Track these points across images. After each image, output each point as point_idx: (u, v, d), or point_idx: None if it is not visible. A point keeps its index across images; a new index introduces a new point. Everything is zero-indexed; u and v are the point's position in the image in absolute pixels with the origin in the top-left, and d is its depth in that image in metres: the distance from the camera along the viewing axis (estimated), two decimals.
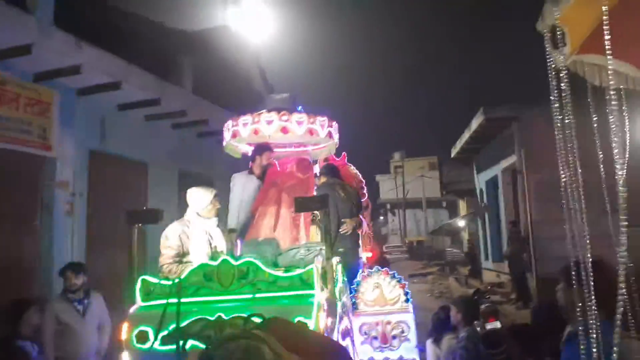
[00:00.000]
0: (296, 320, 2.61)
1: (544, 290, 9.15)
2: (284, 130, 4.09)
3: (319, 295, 2.76)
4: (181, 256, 3.58)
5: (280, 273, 2.83)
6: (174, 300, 2.76)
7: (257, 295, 2.79)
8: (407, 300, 3.80)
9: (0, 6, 5.54)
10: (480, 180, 15.55)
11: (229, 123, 4.37)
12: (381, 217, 46.05)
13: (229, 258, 2.88)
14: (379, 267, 3.89)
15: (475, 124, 12.22)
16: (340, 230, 4.34)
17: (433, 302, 14.87)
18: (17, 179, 6.57)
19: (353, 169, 5.18)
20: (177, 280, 2.86)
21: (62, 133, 7.07)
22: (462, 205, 26.35)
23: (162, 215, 3.04)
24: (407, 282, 3.86)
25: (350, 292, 3.77)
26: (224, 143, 4.53)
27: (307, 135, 4.23)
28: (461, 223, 23.14)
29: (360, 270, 4.41)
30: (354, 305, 3.78)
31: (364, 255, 5.24)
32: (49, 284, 6.63)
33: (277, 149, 4.83)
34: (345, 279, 3.54)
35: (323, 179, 4.73)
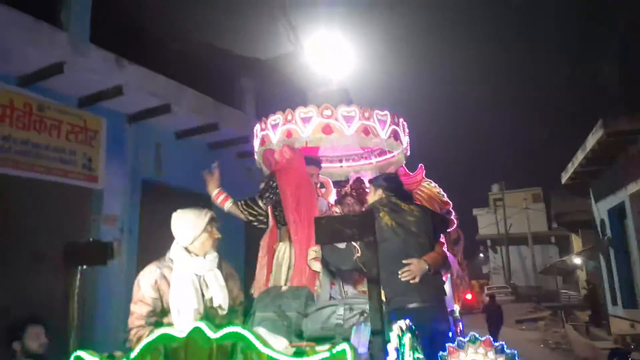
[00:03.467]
0: None
1: None
2: (327, 129, 2.90)
3: None
4: (159, 315, 2.45)
5: (286, 358, 1.56)
6: None
7: None
8: None
9: (29, 22, 5.00)
10: (601, 210, 13.10)
11: (257, 127, 3.27)
12: (481, 255, 42.69)
13: (203, 326, 1.67)
14: (476, 336, 2.43)
15: (592, 141, 10.17)
16: (400, 274, 2.83)
17: (549, 356, 12.48)
18: (59, 214, 5.93)
19: (435, 186, 3.75)
20: None
21: (111, 163, 6.44)
22: (576, 240, 23.15)
23: (112, 251, 1.95)
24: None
25: None
26: (255, 156, 3.42)
27: (360, 137, 2.99)
28: (577, 260, 20.11)
29: (451, 334, 2.99)
30: None
31: (456, 307, 3.77)
32: (92, 333, 5.85)
33: (327, 164, 3.63)
34: (421, 356, 2.17)
35: (375, 195, 3.16)
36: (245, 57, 8.44)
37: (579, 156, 11.59)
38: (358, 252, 2.71)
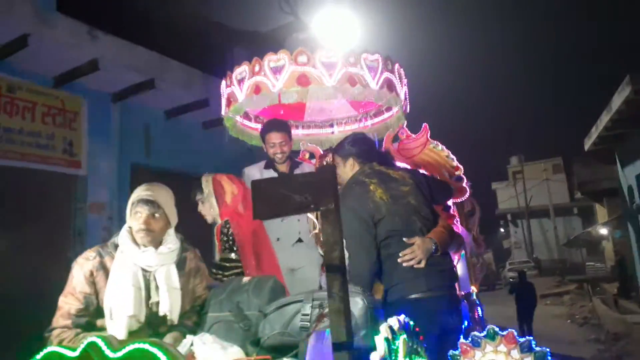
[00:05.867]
0: None
1: None
2: (303, 80, 2.35)
3: None
4: (92, 315, 1.96)
5: None
6: None
7: None
8: None
9: None
10: (628, 175, 12.33)
11: (223, 84, 2.73)
12: (501, 230, 41.89)
13: (99, 342, 1.16)
14: (496, 330, 1.87)
15: (617, 101, 9.43)
16: (400, 258, 2.24)
17: (576, 332, 11.86)
18: (42, 203, 5.52)
19: (442, 149, 3.13)
20: None
21: (95, 146, 5.98)
22: (600, 210, 22.28)
23: None
24: None
25: None
26: (225, 122, 2.90)
27: (344, 88, 2.43)
28: (603, 231, 19.35)
29: (466, 322, 2.46)
30: None
31: (473, 289, 3.23)
32: None
33: (317, 130, 3.08)
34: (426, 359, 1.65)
35: (348, 167, 2.49)
36: (237, 29, 7.87)
37: (604, 119, 10.84)
38: (315, 228, 2.19)
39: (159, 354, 1.10)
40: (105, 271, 1.99)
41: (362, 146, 2.53)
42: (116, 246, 2.05)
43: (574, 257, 31.52)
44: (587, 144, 12.97)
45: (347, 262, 2.33)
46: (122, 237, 2.05)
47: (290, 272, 2.62)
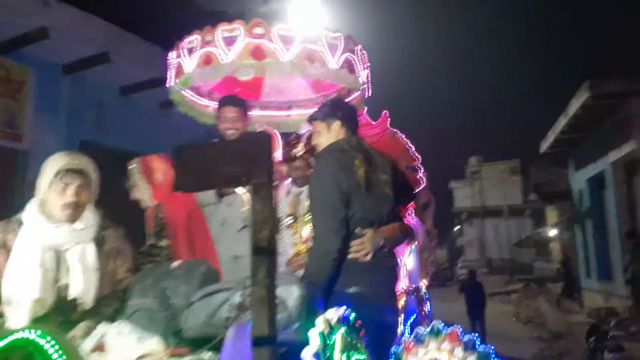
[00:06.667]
0: None
1: None
2: (257, 53, 2.22)
3: None
4: None
5: None
6: None
7: None
8: None
9: None
10: (579, 179, 12.75)
11: (171, 55, 2.57)
12: (456, 228, 42.84)
13: None
14: (439, 327, 1.80)
15: (575, 105, 9.67)
16: (350, 250, 2.09)
17: (521, 330, 12.23)
18: None
19: (401, 138, 3.05)
20: None
21: (42, 120, 5.64)
22: (551, 212, 23.04)
23: None
24: None
25: None
26: (172, 96, 2.75)
27: (302, 65, 2.31)
28: (552, 232, 20.01)
29: (413, 317, 2.41)
30: None
31: (422, 283, 3.18)
32: None
33: (274, 112, 2.96)
34: (362, 356, 1.57)
35: (331, 133, 2.26)
36: (205, 8, 7.60)
37: (561, 122, 11.14)
38: (246, 204, 2.07)
39: (46, 345, 0.95)
40: (7, 250, 1.81)
41: (345, 111, 2.34)
42: (20, 222, 1.86)
43: (523, 257, 32.49)
44: (543, 147, 13.33)
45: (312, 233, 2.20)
46: (30, 212, 1.86)
47: (234, 259, 2.49)
